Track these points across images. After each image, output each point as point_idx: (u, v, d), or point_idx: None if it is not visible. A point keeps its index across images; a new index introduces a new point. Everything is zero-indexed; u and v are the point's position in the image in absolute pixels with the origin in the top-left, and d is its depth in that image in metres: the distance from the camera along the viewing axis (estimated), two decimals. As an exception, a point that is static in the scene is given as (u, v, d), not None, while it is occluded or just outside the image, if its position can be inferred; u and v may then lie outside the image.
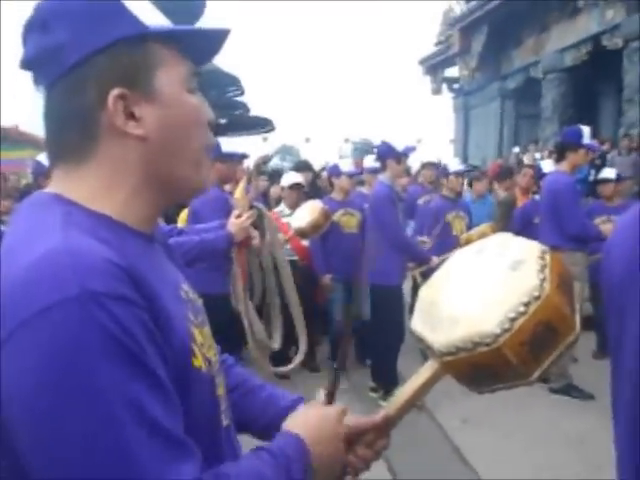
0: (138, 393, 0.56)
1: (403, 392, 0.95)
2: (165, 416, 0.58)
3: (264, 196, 5.71)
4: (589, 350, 4.75)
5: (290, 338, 4.83)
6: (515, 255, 0.90)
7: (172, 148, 0.71)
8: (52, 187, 0.71)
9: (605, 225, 4.73)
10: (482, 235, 4.22)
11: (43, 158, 4.13)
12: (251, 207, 2.72)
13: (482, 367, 0.85)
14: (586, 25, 11.65)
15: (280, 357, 4.81)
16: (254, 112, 9.64)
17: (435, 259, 4.21)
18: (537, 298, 0.83)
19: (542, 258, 0.88)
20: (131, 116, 0.68)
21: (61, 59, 0.67)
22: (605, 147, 10.08)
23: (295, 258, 4.56)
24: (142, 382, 0.57)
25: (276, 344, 2.66)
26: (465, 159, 16.86)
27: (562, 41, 12.61)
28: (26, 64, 0.71)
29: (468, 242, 4.29)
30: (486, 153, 16.18)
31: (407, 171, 6.35)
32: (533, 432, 3.55)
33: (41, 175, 4.08)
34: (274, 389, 0.96)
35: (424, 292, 0.99)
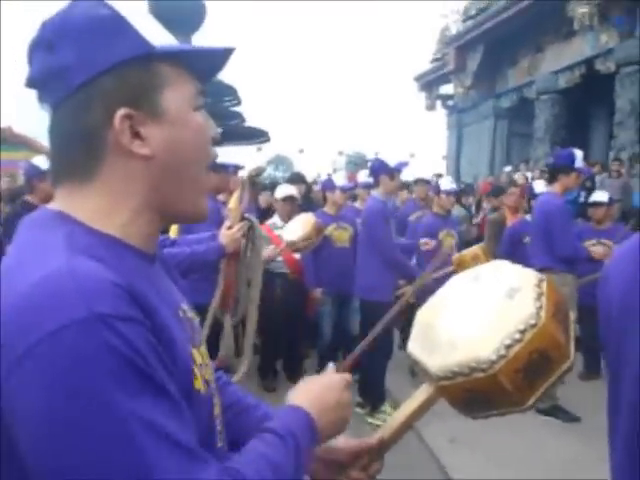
0: (152, 410, 0.56)
1: (398, 416, 0.95)
2: (179, 430, 0.58)
3: (267, 210, 5.67)
4: (576, 371, 4.77)
5: (276, 351, 4.84)
6: (512, 283, 0.91)
7: (177, 168, 0.72)
8: (56, 204, 0.70)
9: (595, 248, 4.78)
10: (475, 256, 4.23)
11: (38, 161, 4.11)
12: (242, 218, 2.72)
13: (477, 393, 0.85)
14: (580, 48, 11.83)
15: (267, 368, 4.82)
16: (250, 123, 9.67)
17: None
18: (533, 326, 0.84)
19: (538, 286, 0.89)
20: (137, 135, 0.68)
21: (67, 79, 0.67)
22: (595, 169, 10.19)
23: (286, 271, 4.57)
24: (155, 399, 0.57)
25: (243, 367, 2.60)
26: (457, 176, 16.99)
27: (556, 63, 12.79)
28: (32, 83, 0.71)
29: (461, 262, 4.30)
30: (478, 170, 16.30)
31: (405, 185, 6.36)
32: (520, 453, 3.54)
33: (34, 177, 4.06)
34: (268, 408, 0.96)
35: (421, 315, 0.99)
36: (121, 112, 0.67)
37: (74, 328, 0.54)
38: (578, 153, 4.25)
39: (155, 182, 0.70)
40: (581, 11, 10.25)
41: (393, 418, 0.95)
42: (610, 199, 5.22)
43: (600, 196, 5.32)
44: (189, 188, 0.74)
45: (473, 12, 15.51)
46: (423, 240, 4.74)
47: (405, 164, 4.39)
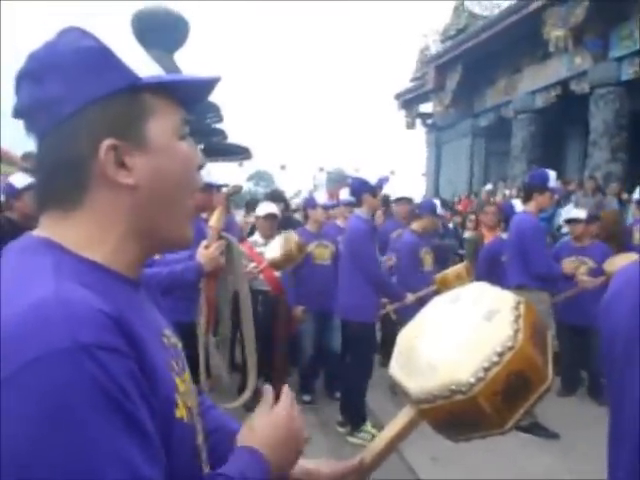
0: (126, 447, 0.56)
1: (380, 439, 0.95)
2: (148, 467, 0.58)
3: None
4: (554, 387, 4.81)
5: (263, 369, 4.80)
6: (490, 305, 0.92)
7: (162, 197, 0.72)
8: (42, 231, 0.71)
9: (567, 264, 4.86)
10: (457, 275, 4.27)
11: (14, 179, 4.06)
12: (220, 237, 2.72)
13: (458, 416, 0.86)
14: (556, 70, 12.11)
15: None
16: (232, 139, 9.69)
17: (410, 296, 4.25)
18: (510, 348, 0.85)
19: (516, 309, 0.90)
20: (122, 165, 0.69)
21: (54, 111, 0.67)
22: (571, 187, 10.40)
23: (267, 289, 4.55)
24: (130, 435, 0.57)
25: (247, 392, 2.61)
26: (436, 193, 17.19)
27: (533, 83, 13.07)
28: (19, 113, 0.71)
29: (443, 281, 4.33)
30: (457, 188, 16.51)
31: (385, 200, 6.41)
32: (500, 471, 3.56)
33: (10, 196, 4.02)
34: None
35: (402, 337, 1.00)
36: (106, 143, 0.67)
37: (56, 357, 0.54)
38: (551, 173, 4.35)
39: (140, 211, 0.71)
40: (556, 34, 10.52)
41: (376, 441, 0.96)
42: (589, 216, 5.31)
43: (578, 213, 5.39)
44: (175, 216, 0.74)
45: (452, 33, 15.82)
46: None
47: (386, 180, 4.42)
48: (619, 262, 4.37)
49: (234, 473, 0.74)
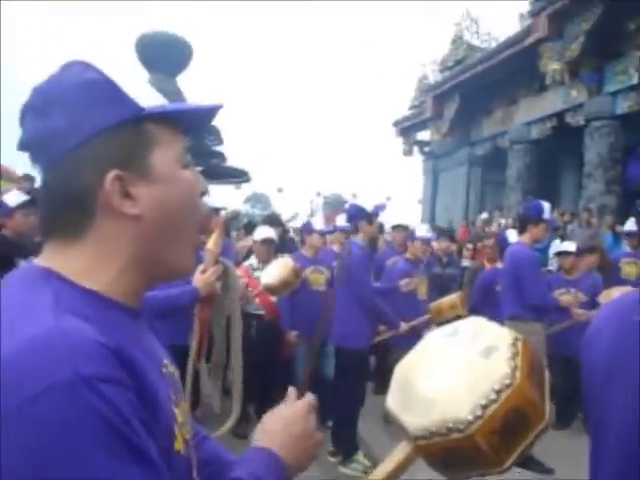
0: (130, 475, 0.56)
1: (376, 475, 0.94)
2: None
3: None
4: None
5: (249, 395, 4.74)
6: (488, 341, 0.92)
7: (167, 227, 0.73)
8: (43, 260, 0.71)
9: (564, 297, 4.88)
10: (452, 305, 4.27)
11: (8, 197, 4.06)
12: (217, 262, 2.71)
13: (455, 453, 0.85)
14: (552, 102, 12.30)
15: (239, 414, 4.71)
16: (231, 162, 9.76)
17: (404, 325, 4.24)
18: (508, 386, 0.85)
19: (514, 345, 0.91)
20: (127, 195, 0.69)
21: (59, 144, 0.68)
22: (566, 218, 10.46)
23: (262, 312, 4.53)
24: (133, 464, 0.56)
25: (230, 422, 2.59)
26: (432, 220, 17.27)
27: (529, 115, 13.25)
28: (24, 146, 0.72)
29: (438, 310, 4.32)
30: (453, 216, 16.59)
31: (380, 228, 6.43)
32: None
33: (2, 216, 4.01)
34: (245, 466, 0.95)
35: (399, 370, 1.00)
36: (112, 174, 0.68)
37: (58, 390, 0.54)
38: (546, 205, 4.39)
39: (144, 240, 0.71)
40: (552, 67, 10.71)
41: (371, 477, 0.94)
42: (578, 249, 5.35)
43: (568, 246, 5.45)
44: (179, 246, 0.75)
45: (450, 63, 16.08)
46: (403, 281, 4.77)
47: (383, 207, 4.44)
48: (615, 295, 4.39)
49: (248, 477, 0.75)
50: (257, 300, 4.29)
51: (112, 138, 0.69)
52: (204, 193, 0.82)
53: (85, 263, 0.69)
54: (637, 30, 9.54)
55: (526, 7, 12.30)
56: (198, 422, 0.97)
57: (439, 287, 5.87)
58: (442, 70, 16.57)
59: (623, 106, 10.31)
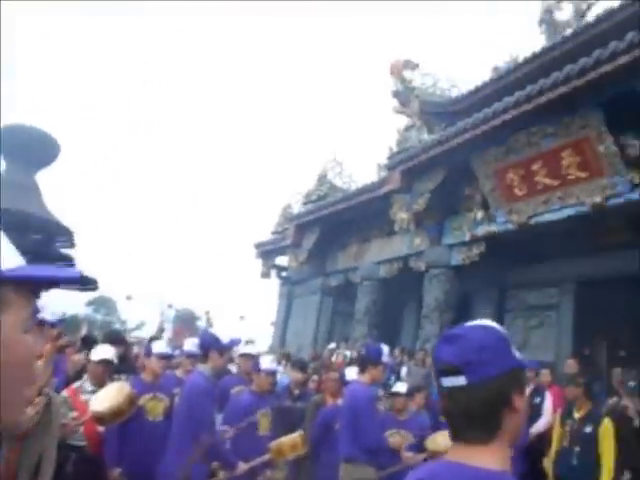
0: None
1: None
2: None
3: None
4: None
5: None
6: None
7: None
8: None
9: (393, 438, 5.07)
10: (293, 444, 4.22)
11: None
12: (40, 393, 2.47)
13: None
14: (399, 246, 13.49)
15: None
16: (78, 267, 9.24)
17: (242, 465, 4.06)
18: None
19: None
20: None
21: None
22: (404, 356, 11.13)
23: (84, 443, 4.02)
24: None
25: None
26: (283, 343, 17.38)
27: (379, 255, 14.36)
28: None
29: (279, 451, 4.23)
30: (303, 342, 16.86)
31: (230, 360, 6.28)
32: None
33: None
34: None
35: None
36: None
37: None
38: (385, 348, 4.69)
39: None
40: (401, 216, 11.91)
41: None
42: (409, 390, 5.68)
43: (399, 387, 5.75)
44: (9, 407, 0.73)
45: (314, 198, 17.20)
46: (244, 423, 4.61)
47: (238, 342, 4.39)
48: (440, 440, 4.65)
49: None
50: (81, 429, 3.88)
51: None
52: (39, 356, 0.80)
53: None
54: (470, 196, 11.08)
55: (384, 161, 13.83)
56: None
57: (285, 422, 5.61)
58: (305, 203, 17.63)
59: (457, 258, 11.60)
